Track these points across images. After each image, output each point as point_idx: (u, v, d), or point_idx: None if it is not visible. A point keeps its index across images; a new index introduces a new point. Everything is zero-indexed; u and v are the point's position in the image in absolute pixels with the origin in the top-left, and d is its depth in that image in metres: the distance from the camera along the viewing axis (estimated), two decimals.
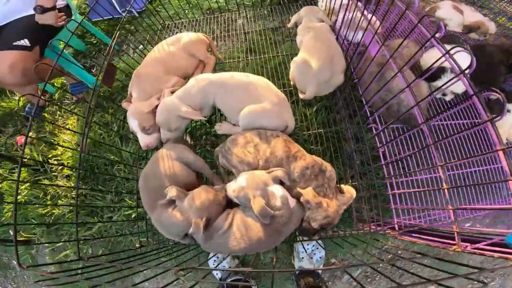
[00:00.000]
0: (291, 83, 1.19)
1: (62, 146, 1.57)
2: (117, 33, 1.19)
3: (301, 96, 1.14)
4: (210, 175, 1.01)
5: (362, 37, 1.06)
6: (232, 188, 0.87)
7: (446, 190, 0.68)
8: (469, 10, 1.38)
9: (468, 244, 0.70)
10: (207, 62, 1.24)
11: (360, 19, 1.00)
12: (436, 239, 0.80)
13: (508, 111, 1.17)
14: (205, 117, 1.02)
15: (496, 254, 0.55)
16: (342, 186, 0.90)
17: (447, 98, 1.08)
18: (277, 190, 0.83)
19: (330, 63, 1.09)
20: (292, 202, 0.85)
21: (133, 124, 1.04)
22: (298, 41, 1.28)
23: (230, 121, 1.06)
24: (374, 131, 1.00)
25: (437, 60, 0.75)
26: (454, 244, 0.71)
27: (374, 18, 1.01)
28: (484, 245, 0.65)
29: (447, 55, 0.72)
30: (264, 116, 0.94)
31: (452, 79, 0.72)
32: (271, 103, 0.95)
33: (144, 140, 1.05)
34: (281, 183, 0.86)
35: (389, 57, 0.85)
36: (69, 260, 0.86)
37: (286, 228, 0.84)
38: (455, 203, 0.71)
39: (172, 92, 1.04)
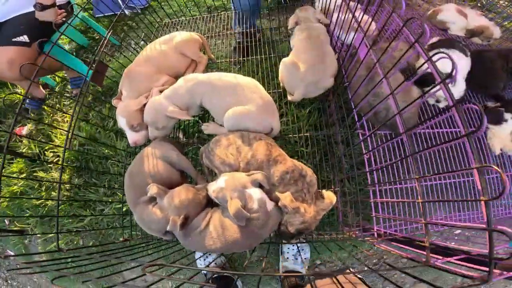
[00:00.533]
0: (280, 84, 1.18)
1: (50, 143, 1.59)
2: (111, 30, 1.19)
3: (289, 98, 1.13)
4: (194, 175, 1.01)
5: (353, 38, 1.04)
6: (212, 188, 0.87)
7: (420, 203, 0.66)
8: (473, 14, 1.34)
9: (439, 258, 0.69)
10: (199, 62, 1.23)
11: (351, 20, 0.98)
12: (412, 249, 0.79)
13: (506, 120, 1.14)
14: (193, 117, 1.02)
15: (459, 271, 0.54)
16: (323, 191, 0.89)
17: (441, 105, 1.06)
18: (255, 193, 0.83)
19: (320, 65, 1.07)
20: (270, 205, 0.84)
21: (122, 121, 1.05)
22: (292, 42, 1.26)
23: (217, 122, 1.06)
24: (361, 137, 0.98)
25: (422, 64, 0.73)
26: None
27: (366, 18, 0.98)
28: (456, 259, 0.64)
29: (429, 62, 0.70)
30: (248, 118, 0.93)
31: (433, 86, 0.70)
32: (256, 106, 0.94)
33: (132, 137, 1.05)
34: (261, 186, 0.86)
35: (376, 61, 0.84)
36: (45, 251, 0.87)
37: (263, 231, 0.84)
38: (430, 214, 0.69)
39: (161, 91, 1.04)
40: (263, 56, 1.38)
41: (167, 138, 1.07)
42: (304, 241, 1.04)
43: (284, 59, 1.14)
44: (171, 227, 0.82)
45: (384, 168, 1.02)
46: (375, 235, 0.91)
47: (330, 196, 0.88)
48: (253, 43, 1.47)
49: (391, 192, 1.03)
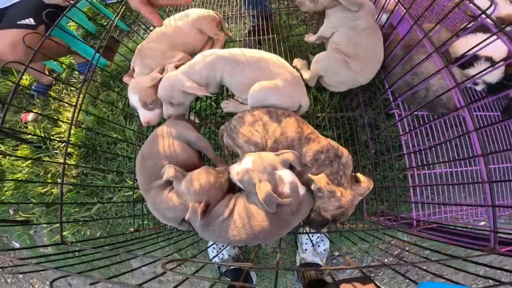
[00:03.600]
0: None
1: (61, 121, 1.45)
2: (121, 10, 1.05)
3: (305, 76, 0.99)
4: (213, 157, 0.88)
5: (387, 19, 0.91)
6: (236, 170, 0.74)
7: (487, 185, 0.54)
8: (504, 2, 1.21)
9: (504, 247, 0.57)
10: (217, 39, 1.10)
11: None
12: (461, 238, 0.67)
13: None
14: (210, 93, 0.89)
15: None
16: (358, 175, 0.76)
17: (478, 88, 0.93)
18: (286, 175, 0.70)
19: (378, 58, 0.90)
20: (301, 189, 0.71)
21: (134, 99, 0.92)
22: (329, 27, 0.95)
23: (238, 99, 0.93)
24: (397, 117, 0.86)
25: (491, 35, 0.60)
26: (486, 246, 0.57)
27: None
28: None
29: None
30: (276, 93, 0.80)
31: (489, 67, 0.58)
32: (284, 81, 0.81)
33: (145, 116, 0.92)
34: (291, 167, 0.72)
35: (424, 35, 0.70)
36: (47, 244, 0.73)
37: (294, 218, 0.71)
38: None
39: (176, 67, 0.91)
40: (280, 37, 1.24)
41: (182, 117, 0.94)
42: (334, 230, 0.90)
43: (325, 54, 0.93)
44: (191, 216, 0.69)
45: (418, 153, 0.89)
46: (414, 223, 0.78)
47: (366, 180, 0.75)
48: (269, 27, 1.34)
49: (424, 178, 0.90)
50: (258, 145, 0.75)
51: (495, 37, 0.64)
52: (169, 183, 0.76)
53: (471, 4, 0.67)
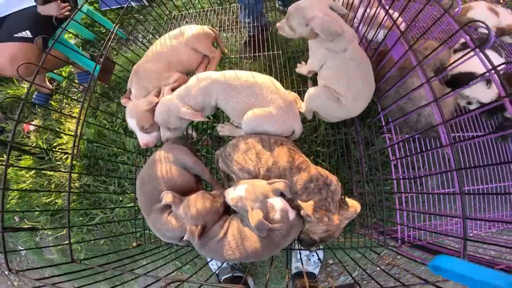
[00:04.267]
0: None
1: (64, 133, 1.48)
2: (118, 23, 1.06)
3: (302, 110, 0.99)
4: (210, 180, 0.92)
5: (385, 37, 0.90)
6: (231, 196, 0.77)
7: (458, 197, 0.57)
8: (505, 12, 1.20)
9: None
10: (212, 57, 1.11)
11: (383, 17, 0.85)
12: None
13: None
14: (207, 117, 0.91)
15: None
16: (347, 199, 0.80)
17: (472, 107, 0.95)
18: (277, 203, 0.74)
19: (368, 90, 0.90)
20: (291, 214, 0.75)
21: (131, 122, 0.94)
22: (314, 60, 0.93)
23: (233, 123, 0.95)
24: (388, 142, 0.88)
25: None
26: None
27: (397, 15, 0.85)
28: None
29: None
30: (269, 121, 0.83)
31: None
32: (277, 108, 0.83)
33: (143, 139, 0.95)
34: (282, 194, 0.76)
35: (417, 63, 0.71)
36: (58, 264, 0.77)
37: (284, 241, 0.75)
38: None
39: (172, 90, 0.93)
40: (275, 53, 1.25)
41: (180, 140, 0.96)
42: (323, 248, 0.94)
43: (317, 92, 0.90)
44: (188, 238, 0.74)
45: (407, 174, 0.92)
46: (399, 241, 0.82)
47: (354, 204, 0.79)
48: (265, 37, 1.34)
49: (411, 200, 0.93)
50: (251, 173, 0.78)
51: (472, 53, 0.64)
52: (168, 207, 0.80)
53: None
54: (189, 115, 0.86)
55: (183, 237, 0.83)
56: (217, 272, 1.27)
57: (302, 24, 0.86)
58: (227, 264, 1.27)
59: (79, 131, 0.82)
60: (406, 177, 0.84)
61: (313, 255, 1.22)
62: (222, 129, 0.97)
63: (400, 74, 0.86)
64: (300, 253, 0.94)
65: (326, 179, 0.77)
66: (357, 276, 1.30)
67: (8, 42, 1.28)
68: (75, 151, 0.81)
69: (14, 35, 1.29)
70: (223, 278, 1.26)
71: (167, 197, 0.77)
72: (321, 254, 1.23)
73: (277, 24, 0.94)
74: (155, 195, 0.82)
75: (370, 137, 1.06)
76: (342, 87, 0.86)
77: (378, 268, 1.28)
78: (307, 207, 0.71)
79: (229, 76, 0.88)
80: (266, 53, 1.25)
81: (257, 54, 1.26)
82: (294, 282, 1.22)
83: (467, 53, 0.62)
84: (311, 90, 0.92)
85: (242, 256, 0.74)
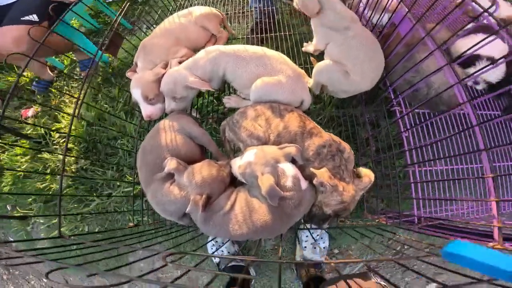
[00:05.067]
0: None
1: (63, 112, 1.42)
2: (125, 7, 1.03)
3: (310, 85, 0.94)
4: (216, 151, 0.87)
5: (389, 19, 0.90)
6: (238, 164, 0.72)
7: (490, 180, 0.53)
8: (505, 4, 1.22)
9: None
10: (219, 37, 1.09)
11: (387, 1, 0.85)
12: (463, 235, 0.66)
13: None
14: (213, 89, 0.87)
15: None
16: (360, 169, 0.75)
17: (479, 87, 0.93)
18: (289, 169, 0.69)
19: (378, 72, 0.87)
20: (304, 183, 0.70)
21: (136, 93, 0.90)
22: (319, 39, 0.91)
23: (240, 95, 0.92)
24: (398, 114, 0.85)
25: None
26: (489, 242, 0.56)
27: None
28: None
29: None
30: (278, 89, 0.80)
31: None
32: (286, 77, 0.81)
33: (147, 110, 0.91)
34: (293, 161, 0.71)
35: (427, 33, 0.70)
36: (45, 238, 0.70)
37: (296, 212, 0.69)
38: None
39: (180, 63, 0.90)
40: (283, 34, 1.23)
41: (184, 112, 0.92)
42: (335, 226, 0.88)
43: (326, 65, 0.87)
44: (191, 208, 0.67)
45: (419, 150, 0.88)
46: (416, 220, 0.77)
47: (368, 174, 0.74)
48: (271, 25, 1.33)
49: (425, 176, 0.89)
50: (261, 139, 0.74)
51: (495, 36, 0.64)
52: (170, 176, 0.75)
53: (473, 4, 0.67)
54: (197, 84, 0.82)
55: (185, 214, 0.77)
56: (217, 261, 1.19)
57: None
58: (228, 253, 1.20)
59: (77, 112, 0.77)
60: (418, 147, 0.80)
61: (319, 243, 1.16)
62: (229, 101, 0.93)
63: (407, 50, 0.85)
64: (313, 237, 0.87)
65: (340, 145, 0.73)
66: (363, 267, 1.23)
67: (13, 25, 1.26)
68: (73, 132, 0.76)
69: (21, 18, 1.28)
70: (222, 268, 1.18)
71: (171, 163, 0.72)
72: (326, 242, 1.17)
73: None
74: (157, 164, 0.77)
75: (379, 115, 1.03)
76: (349, 62, 0.84)
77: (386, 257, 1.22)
78: (321, 173, 0.67)
79: (238, 48, 0.87)
80: (272, 34, 1.24)
81: (264, 35, 1.24)
82: (300, 271, 1.15)
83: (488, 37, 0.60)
84: (320, 64, 0.89)
85: (250, 231, 0.68)
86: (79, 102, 0.78)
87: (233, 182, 0.79)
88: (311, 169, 0.69)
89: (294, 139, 0.73)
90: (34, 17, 1.30)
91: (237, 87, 0.89)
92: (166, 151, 0.77)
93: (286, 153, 0.69)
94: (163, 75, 0.89)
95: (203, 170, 0.72)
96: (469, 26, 1.09)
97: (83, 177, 1.31)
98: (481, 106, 0.99)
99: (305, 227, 1.06)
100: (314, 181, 0.68)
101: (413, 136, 0.86)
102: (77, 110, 0.77)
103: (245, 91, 0.86)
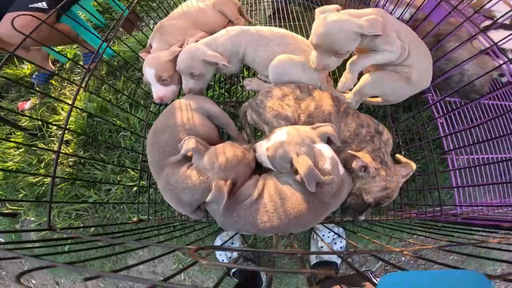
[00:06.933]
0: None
1: (60, 101, 1.28)
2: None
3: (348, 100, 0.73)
4: (236, 134, 0.75)
5: (412, 15, 0.84)
6: (266, 146, 0.60)
7: None
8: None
9: None
10: (237, 23, 1.01)
11: None
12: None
13: None
14: (230, 70, 0.77)
15: None
16: (398, 156, 0.65)
17: (504, 80, 0.87)
18: (326, 150, 0.58)
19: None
20: (341, 168, 0.59)
21: (149, 73, 0.79)
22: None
23: (261, 78, 0.82)
24: (430, 101, 0.76)
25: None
26: None
27: None
28: None
29: None
30: (299, 67, 0.70)
31: None
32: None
33: (159, 91, 0.79)
34: (329, 143, 0.60)
35: (468, 17, 0.62)
36: (31, 229, 0.55)
37: (334, 201, 0.58)
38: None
39: (197, 41, 0.80)
40: (301, 23, 1.15)
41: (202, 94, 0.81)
42: (371, 220, 0.76)
43: (381, 75, 0.69)
44: (215, 196, 0.54)
45: (455, 136, 0.78)
46: (457, 210, 0.66)
47: (408, 161, 0.64)
48: (290, 10, 1.24)
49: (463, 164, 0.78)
50: (289, 119, 0.63)
51: None
52: (187, 159, 0.62)
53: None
54: (215, 58, 0.72)
55: (199, 206, 0.64)
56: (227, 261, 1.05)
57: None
58: (238, 253, 1.06)
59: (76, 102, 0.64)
60: (457, 131, 0.70)
61: (335, 243, 1.03)
62: (250, 83, 0.83)
63: (436, 40, 0.79)
64: (333, 232, 0.75)
65: (378, 126, 0.63)
66: (380, 267, 1.11)
67: (21, 12, 1.15)
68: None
69: (29, 5, 1.17)
70: (232, 272, 1.04)
71: (190, 142, 0.59)
72: (343, 242, 1.04)
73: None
74: (172, 145, 0.64)
75: (396, 113, 0.92)
76: (406, 68, 0.67)
77: (403, 258, 1.11)
78: (363, 156, 0.56)
79: (262, 28, 0.78)
80: (292, 23, 1.15)
81: (282, 24, 1.16)
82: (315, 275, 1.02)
83: None
84: (369, 78, 0.69)
85: (282, 223, 0.55)
86: (81, 90, 0.65)
87: (257, 170, 0.67)
88: (350, 151, 0.59)
89: (328, 119, 0.62)
90: (43, 4, 1.20)
91: (257, 67, 0.79)
92: (182, 131, 0.66)
93: (322, 132, 0.59)
94: (179, 54, 0.78)
95: (226, 150, 0.60)
96: (486, 22, 1.05)
97: (75, 179, 1.15)
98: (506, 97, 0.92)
99: (324, 225, 0.94)
100: (353, 165, 0.58)
101: (447, 124, 0.77)
102: (78, 97, 0.65)
103: (266, 72, 0.76)
